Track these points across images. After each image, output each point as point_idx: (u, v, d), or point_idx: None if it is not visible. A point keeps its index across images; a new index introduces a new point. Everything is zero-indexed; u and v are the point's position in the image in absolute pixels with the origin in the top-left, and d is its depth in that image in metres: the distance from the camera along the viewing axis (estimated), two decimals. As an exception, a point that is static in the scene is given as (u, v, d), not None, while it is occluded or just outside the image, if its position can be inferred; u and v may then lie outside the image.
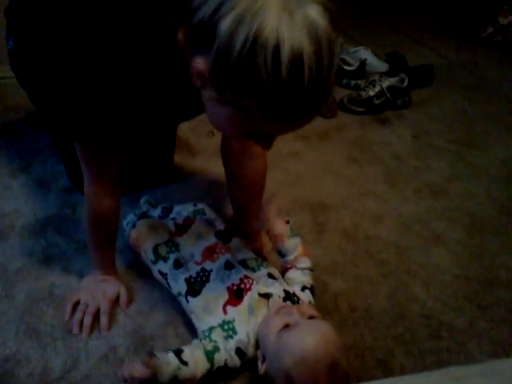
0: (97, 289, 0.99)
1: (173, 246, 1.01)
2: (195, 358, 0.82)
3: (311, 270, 0.99)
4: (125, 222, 1.14)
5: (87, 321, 0.94)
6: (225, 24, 0.62)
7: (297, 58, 0.60)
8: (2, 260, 1.09)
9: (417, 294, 1.05)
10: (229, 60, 0.62)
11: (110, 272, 1.03)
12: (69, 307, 0.97)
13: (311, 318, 0.83)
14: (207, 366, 0.83)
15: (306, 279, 0.97)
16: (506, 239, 1.19)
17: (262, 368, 0.82)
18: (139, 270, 1.06)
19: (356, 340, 0.95)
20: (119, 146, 0.90)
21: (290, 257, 0.99)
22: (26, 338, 0.92)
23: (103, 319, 0.95)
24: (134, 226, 1.10)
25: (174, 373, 0.79)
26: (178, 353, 0.82)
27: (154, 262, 1.00)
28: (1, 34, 1.56)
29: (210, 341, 0.85)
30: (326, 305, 1.00)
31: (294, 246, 1.00)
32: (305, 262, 0.99)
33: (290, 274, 0.98)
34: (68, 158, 1.31)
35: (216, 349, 0.84)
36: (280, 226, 1.00)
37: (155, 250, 1.01)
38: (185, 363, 0.81)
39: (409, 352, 0.92)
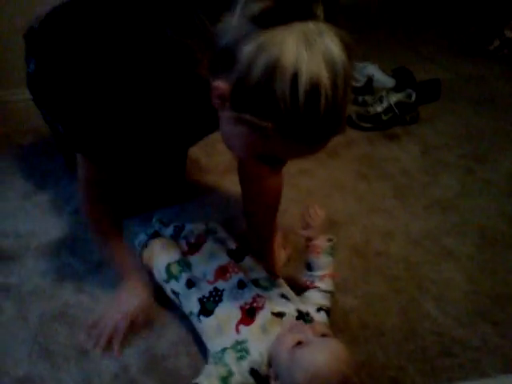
0: (119, 306, 1.00)
1: (185, 265, 1.02)
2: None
3: (332, 293, 0.99)
4: (136, 242, 1.15)
5: (103, 342, 0.95)
6: (247, 50, 0.65)
7: (314, 87, 0.63)
8: (16, 281, 1.11)
9: (428, 310, 1.04)
10: (248, 84, 0.65)
11: (133, 277, 1.04)
12: (89, 322, 0.98)
13: (323, 336, 0.83)
14: None
15: (325, 302, 0.97)
16: (518, 254, 1.19)
17: None
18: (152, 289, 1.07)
19: (368, 357, 0.94)
20: (127, 166, 0.94)
21: (317, 273, 1.00)
22: (39, 359, 0.93)
23: (116, 345, 0.96)
24: (146, 245, 1.11)
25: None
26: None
27: (167, 281, 1.01)
28: (15, 57, 1.62)
29: (224, 365, 0.85)
30: (336, 322, 1.00)
31: (326, 263, 1.01)
32: (328, 284, 1.00)
33: (310, 293, 0.98)
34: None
35: (230, 374, 0.84)
36: (322, 239, 1.03)
37: (167, 268, 1.01)
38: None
39: (421, 369, 0.92)
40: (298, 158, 0.75)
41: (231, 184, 1.44)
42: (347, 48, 0.67)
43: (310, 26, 0.64)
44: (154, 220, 1.23)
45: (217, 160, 1.54)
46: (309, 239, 1.03)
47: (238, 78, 0.67)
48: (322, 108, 0.65)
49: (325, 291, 0.98)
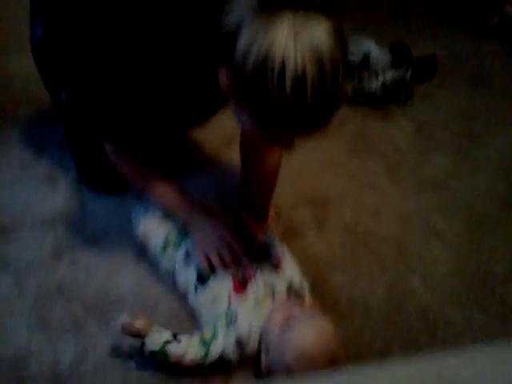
0: (211, 237, 1.01)
1: (183, 234, 1.03)
2: (189, 341, 0.87)
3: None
4: (133, 214, 1.17)
5: (228, 258, 0.97)
6: (242, 40, 0.68)
7: (300, 77, 0.65)
8: (14, 253, 1.12)
9: (414, 287, 1.08)
10: (244, 73, 0.69)
11: (196, 210, 1.05)
12: (204, 261, 0.98)
13: (312, 315, 0.87)
14: (202, 351, 0.86)
15: (297, 270, 1.01)
16: (505, 233, 1.21)
17: (265, 360, 0.85)
18: (145, 266, 1.10)
19: (355, 333, 0.98)
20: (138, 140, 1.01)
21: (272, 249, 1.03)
22: (37, 331, 0.96)
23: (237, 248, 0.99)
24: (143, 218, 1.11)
25: (163, 344, 0.86)
26: (175, 334, 0.88)
27: (164, 249, 1.03)
28: (14, 21, 1.57)
29: (212, 330, 0.89)
30: (325, 298, 1.03)
31: (272, 237, 1.06)
32: (287, 255, 1.03)
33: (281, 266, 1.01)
34: (79, 155, 1.35)
35: (214, 337, 0.87)
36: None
37: (166, 237, 1.03)
38: (177, 340, 0.87)
39: (406, 345, 0.96)
40: (302, 139, 0.78)
41: (225, 159, 1.45)
42: (337, 35, 0.68)
43: (300, 14, 0.66)
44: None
45: (211, 135, 1.55)
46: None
47: (236, 66, 0.70)
48: (308, 98, 0.67)
49: (289, 260, 1.02)
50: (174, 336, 0.88)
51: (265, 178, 1.16)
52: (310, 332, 0.82)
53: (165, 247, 1.03)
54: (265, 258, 1.03)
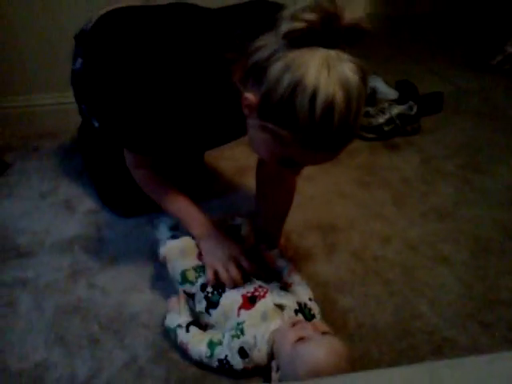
0: (220, 252, 1.06)
1: (200, 271, 1.06)
2: (197, 336, 0.96)
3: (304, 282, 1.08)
4: (157, 233, 1.22)
5: (236, 273, 1.02)
6: (275, 68, 0.77)
7: (329, 105, 0.75)
8: (33, 275, 1.17)
9: (421, 311, 1.10)
10: (273, 98, 0.78)
11: (208, 227, 1.11)
12: (211, 275, 1.03)
13: (324, 333, 0.89)
14: (208, 352, 0.93)
15: (309, 292, 1.05)
16: (508, 261, 1.24)
17: (275, 377, 0.88)
18: (162, 283, 1.14)
19: (363, 354, 1.00)
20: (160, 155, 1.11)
21: (285, 273, 1.09)
22: (55, 346, 0.99)
23: (246, 265, 1.05)
24: (165, 243, 1.14)
25: (176, 326, 0.98)
26: (193, 322, 0.99)
27: (181, 284, 1.06)
28: (39, 64, 1.70)
29: (221, 335, 0.95)
30: (334, 321, 1.06)
31: (284, 263, 1.11)
32: (297, 276, 1.09)
33: (293, 288, 1.05)
34: (99, 180, 1.42)
35: (220, 342, 0.93)
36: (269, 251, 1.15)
37: (183, 274, 1.06)
38: (187, 330, 0.97)
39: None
40: (314, 164, 0.87)
41: (238, 187, 1.51)
42: (363, 74, 0.78)
43: (332, 53, 0.76)
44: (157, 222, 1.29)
45: (224, 165, 1.61)
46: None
47: (266, 91, 0.79)
48: (335, 124, 0.76)
49: (301, 282, 1.07)
50: (188, 325, 0.97)
51: (279, 205, 1.22)
52: (321, 349, 0.85)
53: (182, 282, 1.06)
54: (276, 279, 1.07)
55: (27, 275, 1.17)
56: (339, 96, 0.74)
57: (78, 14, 1.61)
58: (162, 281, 1.13)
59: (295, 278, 1.08)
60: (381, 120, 1.82)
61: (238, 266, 1.04)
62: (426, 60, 2.57)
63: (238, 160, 1.62)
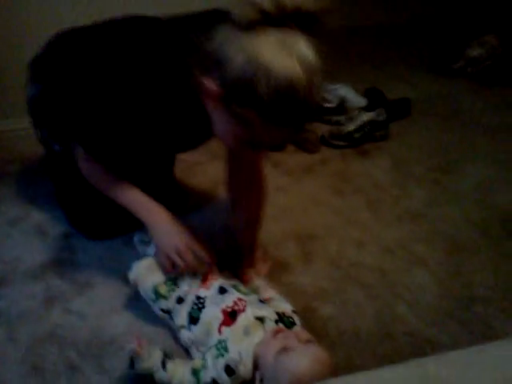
0: (174, 240, 1.05)
1: (172, 283, 1.05)
2: (177, 370, 0.91)
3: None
4: (145, 249, 1.22)
5: (192, 261, 1.02)
6: (231, 51, 0.80)
7: (290, 81, 0.78)
8: (5, 304, 1.14)
9: (401, 313, 1.10)
10: (234, 79, 0.80)
11: (165, 215, 1.09)
12: (167, 265, 1.03)
13: (307, 342, 0.89)
14: (193, 381, 0.90)
15: (289, 305, 1.04)
16: (483, 258, 1.26)
17: None
18: (139, 304, 1.12)
19: (345, 361, 1.00)
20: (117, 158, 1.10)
21: (262, 289, 1.09)
22: (31, 377, 0.96)
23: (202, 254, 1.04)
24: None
25: (150, 369, 0.90)
26: (167, 356, 0.92)
27: (155, 301, 1.05)
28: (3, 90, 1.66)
29: (202, 359, 0.92)
30: (315, 329, 1.05)
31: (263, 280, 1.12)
32: (274, 291, 1.09)
33: (272, 304, 1.04)
34: (68, 205, 1.39)
35: (204, 367, 0.90)
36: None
37: (155, 290, 1.05)
38: (164, 368, 0.91)
39: (396, 369, 0.97)
40: (279, 142, 0.97)
41: (212, 202, 1.50)
42: (315, 50, 0.81)
43: (285, 31, 0.78)
44: (135, 239, 1.28)
45: (196, 181, 1.61)
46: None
47: (225, 75, 0.81)
48: (299, 98, 0.79)
49: (279, 298, 1.07)
50: (164, 360, 0.92)
51: (251, 210, 1.21)
52: (305, 359, 0.84)
53: (156, 299, 1.05)
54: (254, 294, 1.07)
55: (-2, 306, 1.14)
56: (299, 71, 0.78)
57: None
58: (140, 301, 1.11)
59: (272, 294, 1.08)
60: (351, 127, 1.84)
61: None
62: (392, 67, 2.62)
63: (210, 175, 1.62)
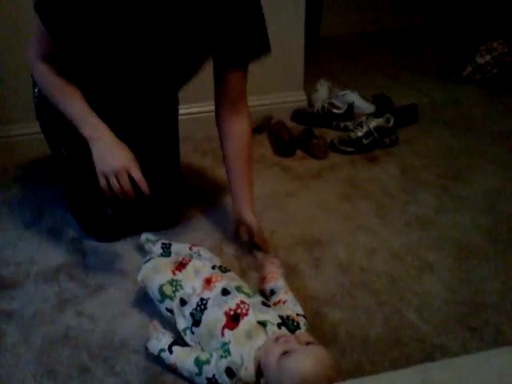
0: (112, 160, 1.05)
1: (177, 284, 1.07)
2: (183, 355, 0.96)
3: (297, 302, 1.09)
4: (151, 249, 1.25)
5: (127, 184, 1.03)
6: None
7: None
8: (18, 306, 1.15)
9: (410, 319, 1.11)
10: None
11: (107, 133, 1.08)
12: (104, 185, 1.04)
13: (308, 344, 0.89)
14: (195, 370, 0.93)
15: (299, 308, 1.05)
16: (492, 265, 1.26)
17: None
18: (150, 307, 1.13)
19: (355, 367, 1.00)
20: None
21: (281, 292, 1.10)
22: (44, 379, 0.97)
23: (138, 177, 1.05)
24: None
25: (159, 351, 0.98)
26: (176, 343, 0.99)
27: (161, 301, 1.07)
28: (14, 95, 1.70)
29: (208, 354, 0.94)
30: (325, 334, 1.06)
31: (283, 283, 1.13)
32: (292, 296, 1.09)
33: (284, 305, 1.06)
34: (78, 209, 1.41)
35: (208, 361, 0.93)
36: (273, 268, 1.18)
37: (160, 289, 1.06)
38: (170, 351, 0.97)
39: (405, 375, 0.98)
40: None
41: (219, 208, 1.51)
42: None
43: None
44: (142, 237, 1.30)
45: (206, 186, 1.62)
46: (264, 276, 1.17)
47: None
48: None
49: (293, 300, 1.08)
50: (170, 346, 0.98)
51: (240, 142, 1.29)
52: (306, 360, 0.84)
53: (162, 299, 1.06)
54: (265, 297, 1.08)
55: (12, 307, 1.15)
56: None
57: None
58: (151, 304, 1.12)
59: (288, 297, 1.09)
60: (359, 133, 1.85)
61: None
62: (400, 74, 2.64)
63: (217, 180, 1.64)
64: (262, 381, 0.89)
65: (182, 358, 0.96)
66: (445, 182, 1.64)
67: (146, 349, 1.01)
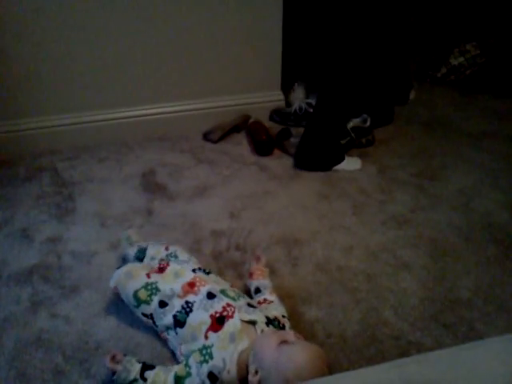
0: None
1: (152, 288, 1.05)
2: (158, 377, 0.91)
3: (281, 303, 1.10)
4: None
5: None
6: None
7: None
8: (-10, 309, 1.13)
9: (386, 317, 1.12)
10: None
11: None
12: None
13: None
14: None
15: (282, 309, 1.06)
16: (467, 263, 1.28)
17: (254, 380, 0.87)
18: (126, 309, 1.11)
19: (333, 363, 1.00)
20: None
21: (266, 291, 1.11)
22: (17, 383, 0.95)
23: None
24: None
25: (130, 380, 0.91)
26: (146, 367, 0.92)
27: (137, 306, 1.05)
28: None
29: (185, 366, 0.92)
30: (303, 332, 1.06)
31: (269, 282, 1.14)
32: (275, 296, 1.11)
33: (268, 306, 1.07)
34: None
35: (188, 374, 0.91)
36: (259, 266, 1.18)
37: (135, 295, 1.05)
38: (144, 379, 0.91)
39: (382, 372, 0.99)
40: None
41: (198, 207, 1.50)
42: None
43: None
44: (123, 235, 1.29)
45: (184, 185, 1.61)
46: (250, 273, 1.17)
47: None
48: None
49: (278, 302, 1.09)
50: (142, 371, 0.92)
51: None
52: (308, 350, 0.87)
53: (138, 305, 1.05)
54: (249, 296, 1.10)
55: (-17, 311, 1.13)
56: None
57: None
58: (126, 306, 1.10)
59: (273, 298, 1.10)
60: (336, 133, 1.86)
61: None
62: (376, 74, 2.66)
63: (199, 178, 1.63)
64: (250, 367, 0.88)
65: (158, 378, 0.92)
66: (420, 182, 1.66)
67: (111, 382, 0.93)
